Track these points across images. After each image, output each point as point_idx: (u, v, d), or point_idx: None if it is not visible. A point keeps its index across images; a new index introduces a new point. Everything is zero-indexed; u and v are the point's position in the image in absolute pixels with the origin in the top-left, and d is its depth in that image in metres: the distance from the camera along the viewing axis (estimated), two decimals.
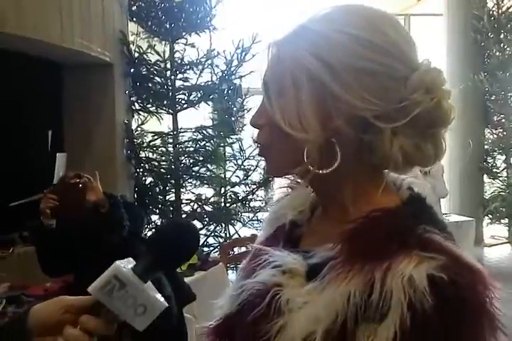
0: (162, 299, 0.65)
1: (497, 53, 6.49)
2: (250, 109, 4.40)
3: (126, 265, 0.64)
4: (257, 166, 4.34)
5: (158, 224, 4.06)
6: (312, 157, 0.58)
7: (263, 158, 0.66)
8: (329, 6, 0.61)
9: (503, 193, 6.68)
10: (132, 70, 4.02)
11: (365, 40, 0.57)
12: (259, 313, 0.59)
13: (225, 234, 4.27)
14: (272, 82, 0.60)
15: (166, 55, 4.07)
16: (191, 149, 4.13)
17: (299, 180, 0.74)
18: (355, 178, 0.61)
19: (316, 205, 0.69)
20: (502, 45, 6.47)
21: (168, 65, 4.07)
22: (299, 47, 0.58)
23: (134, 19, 4.07)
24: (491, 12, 6.48)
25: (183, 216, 4.10)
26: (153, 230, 3.69)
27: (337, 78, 0.56)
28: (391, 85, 0.57)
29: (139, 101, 4.10)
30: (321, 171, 0.58)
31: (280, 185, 0.77)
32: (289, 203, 0.72)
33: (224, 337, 0.68)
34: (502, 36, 6.47)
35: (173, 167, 4.08)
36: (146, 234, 3.27)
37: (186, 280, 2.59)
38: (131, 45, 3.97)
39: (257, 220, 4.24)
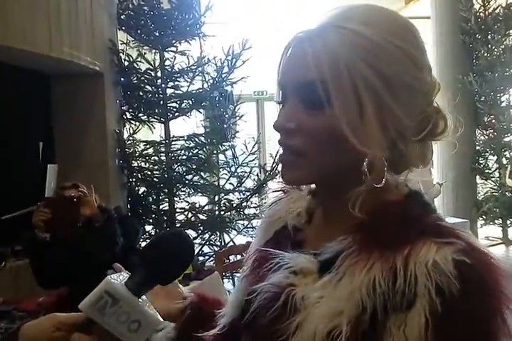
0: (157, 314, 0.63)
1: (485, 54, 6.55)
2: (242, 115, 4.39)
3: (118, 279, 0.62)
4: (250, 173, 4.33)
5: (153, 234, 4.03)
6: (377, 171, 0.56)
7: (285, 165, 0.60)
8: (355, 5, 0.60)
9: (496, 194, 6.71)
10: (122, 79, 4.00)
11: (412, 55, 0.58)
12: (274, 314, 0.58)
13: (220, 242, 4.24)
14: (331, 85, 0.55)
15: (157, 64, 4.05)
16: (184, 157, 4.10)
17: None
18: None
19: (313, 208, 0.68)
20: (490, 46, 6.53)
21: (159, 73, 4.05)
22: (354, 53, 0.56)
23: (123, 28, 4.06)
24: (477, 14, 6.55)
25: (177, 225, 4.07)
26: (147, 242, 3.66)
27: (391, 91, 0.56)
28: (420, 100, 0.60)
29: (130, 110, 4.08)
30: (375, 185, 0.57)
31: (273, 189, 0.76)
32: (284, 206, 0.72)
33: None
34: (489, 37, 6.53)
35: (166, 176, 4.05)
36: (141, 246, 3.23)
37: None
38: (121, 54, 3.95)
39: (252, 227, 4.22)
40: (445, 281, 0.51)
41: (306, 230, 0.68)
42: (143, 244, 3.67)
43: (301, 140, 0.58)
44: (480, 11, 6.58)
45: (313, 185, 0.69)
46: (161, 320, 0.63)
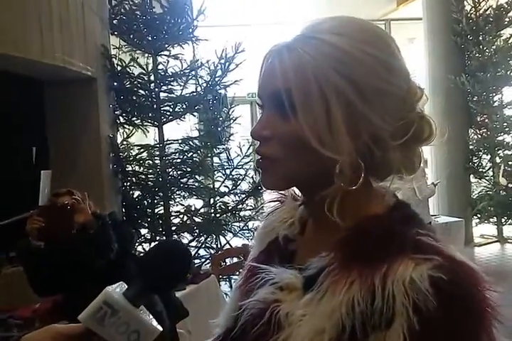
0: (155, 323, 0.63)
1: (477, 55, 6.59)
2: (236, 118, 4.40)
3: (116, 290, 0.62)
4: (245, 175, 4.33)
5: (148, 237, 4.02)
6: (345, 175, 0.57)
7: (261, 170, 0.63)
8: (329, 17, 0.61)
9: (490, 192, 6.74)
10: (115, 84, 3.99)
11: (385, 62, 0.59)
12: (259, 331, 0.59)
13: (216, 244, 4.24)
14: (295, 92, 0.57)
15: (150, 68, 4.05)
16: (178, 161, 4.10)
17: (287, 194, 0.74)
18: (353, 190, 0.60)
19: (305, 218, 0.69)
20: (481, 46, 6.57)
21: (152, 78, 4.05)
22: (322, 61, 0.57)
23: (116, 33, 4.06)
24: (468, 15, 6.59)
25: (173, 228, 4.06)
26: (144, 252, 3.66)
27: (363, 97, 0.57)
28: (399, 105, 0.60)
29: (124, 114, 4.07)
30: (348, 188, 0.57)
31: (270, 199, 0.76)
32: (278, 217, 0.72)
33: None
34: (481, 38, 6.57)
35: (160, 179, 4.05)
36: (136, 250, 3.23)
37: (178, 294, 2.57)
38: (114, 59, 3.95)
39: (248, 230, 4.22)
40: (422, 299, 0.50)
41: (298, 241, 0.68)
42: (138, 248, 3.67)
43: (275, 147, 0.59)
44: (471, 12, 6.62)
45: None
46: (161, 329, 0.63)
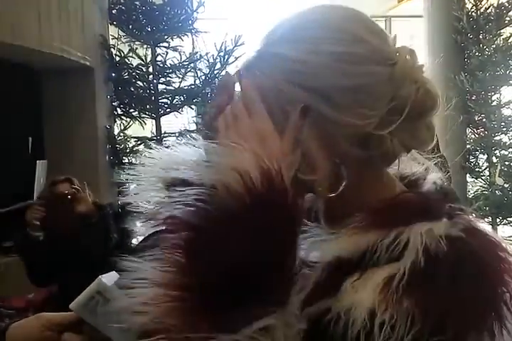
0: None
1: (477, 54, 6.58)
2: None
3: (109, 279, 0.62)
4: None
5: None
6: (323, 186, 0.55)
7: None
8: (293, 13, 0.57)
9: (486, 192, 6.76)
10: (113, 75, 3.96)
11: (346, 54, 0.53)
12: None
13: None
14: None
15: (148, 59, 4.02)
16: None
17: None
18: (364, 183, 0.58)
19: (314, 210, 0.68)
20: (481, 45, 6.56)
21: (151, 69, 4.03)
22: (277, 78, 0.54)
23: (115, 23, 4.02)
24: (469, 13, 6.58)
25: None
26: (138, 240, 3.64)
27: (330, 103, 0.53)
28: (381, 91, 0.55)
29: (121, 105, 4.05)
30: (332, 194, 0.56)
31: None
32: None
33: None
34: (481, 37, 6.57)
35: None
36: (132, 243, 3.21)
37: None
38: (112, 49, 3.91)
39: None
40: (434, 245, 0.51)
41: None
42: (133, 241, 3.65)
43: None
44: (472, 10, 6.61)
45: None
46: None
